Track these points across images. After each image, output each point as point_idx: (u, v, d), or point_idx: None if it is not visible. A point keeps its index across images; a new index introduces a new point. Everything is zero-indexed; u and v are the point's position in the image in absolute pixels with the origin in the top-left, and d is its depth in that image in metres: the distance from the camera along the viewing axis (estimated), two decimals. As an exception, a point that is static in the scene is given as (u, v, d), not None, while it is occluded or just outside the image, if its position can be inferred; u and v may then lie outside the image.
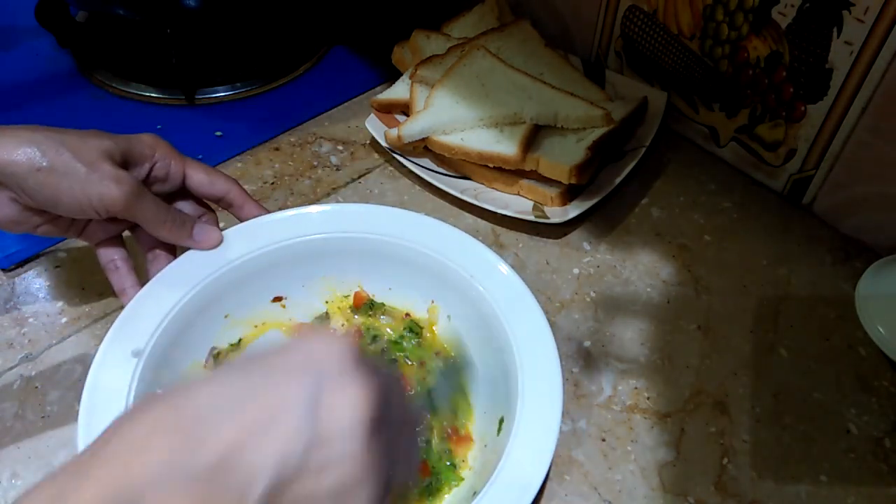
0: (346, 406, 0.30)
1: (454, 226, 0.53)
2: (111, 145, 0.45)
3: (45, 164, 0.43)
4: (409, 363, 0.52)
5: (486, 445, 0.47)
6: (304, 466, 0.29)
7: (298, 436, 0.29)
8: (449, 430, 0.49)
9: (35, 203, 0.44)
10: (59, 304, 0.56)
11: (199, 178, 0.50)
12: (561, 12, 0.75)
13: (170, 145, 0.50)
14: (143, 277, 0.50)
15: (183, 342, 0.48)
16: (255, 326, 0.52)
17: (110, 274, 0.50)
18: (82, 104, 0.72)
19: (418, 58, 0.71)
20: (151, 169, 0.48)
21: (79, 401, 0.43)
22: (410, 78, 0.69)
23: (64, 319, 0.55)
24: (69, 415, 0.49)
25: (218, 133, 0.70)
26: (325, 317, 0.54)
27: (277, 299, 0.53)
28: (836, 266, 0.60)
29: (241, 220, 0.53)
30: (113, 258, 0.50)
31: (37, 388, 0.51)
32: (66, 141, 0.44)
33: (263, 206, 0.53)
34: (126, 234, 0.51)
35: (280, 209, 0.54)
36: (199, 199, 0.52)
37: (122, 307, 0.48)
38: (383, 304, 0.54)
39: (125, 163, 0.46)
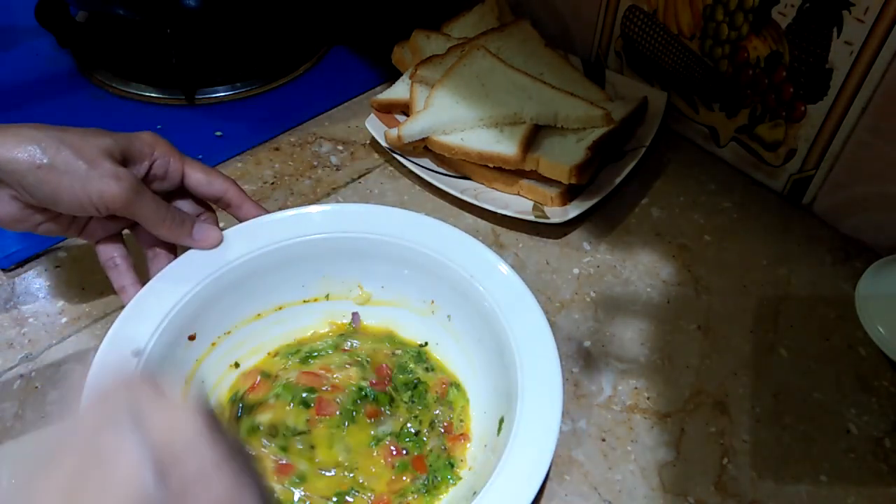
0: (177, 420, 0.28)
1: (454, 226, 0.53)
2: (111, 143, 0.45)
3: (45, 161, 0.43)
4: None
5: (485, 445, 0.47)
6: (165, 496, 0.26)
7: (141, 472, 0.26)
8: (444, 427, 0.49)
9: (36, 200, 0.44)
10: (59, 304, 0.56)
11: (198, 177, 0.50)
12: (561, 12, 0.75)
13: (169, 143, 0.50)
14: (143, 275, 0.50)
15: (183, 342, 0.48)
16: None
17: (109, 271, 0.50)
18: (82, 104, 0.72)
19: (418, 58, 0.71)
20: (151, 167, 0.48)
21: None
22: (410, 78, 0.69)
23: (64, 319, 0.55)
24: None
25: (218, 133, 0.70)
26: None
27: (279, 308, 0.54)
28: (836, 266, 0.60)
29: (240, 220, 0.53)
30: (112, 255, 0.50)
31: (37, 388, 0.51)
32: (67, 139, 0.44)
33: (262, 206, 0.53)
34: (126, 232, 0.51)
35: (280, 209, 0.54)
36: (198, 199, 0.52)
37: (122, 307, 0.48)
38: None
39: (125, 160, 0.46)
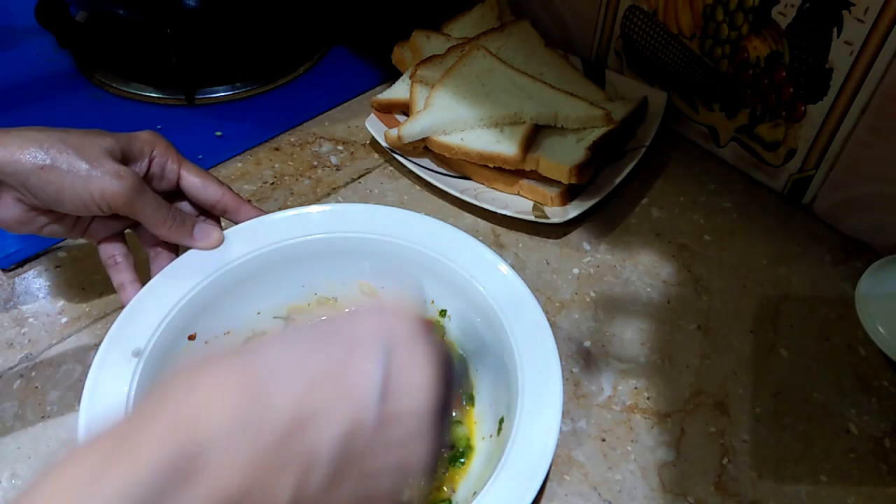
0: (416, 386, 0.31)
1: (454, 226, 0.53)
2: (112, 143, 0.46)
3: (48, 161, 0.43)
4: None
5: (485, 445, 0.47)
6: (370, 443, 0.29)
7: (368, 413, 0.29)
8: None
9: (39, 201, 0.45)
10: (59, 304, 0.56)
11: (193, 181, 0.50)
12: (561, 12, 0.76)
13: (168, 143, 0.50)
14: (144, 275, 0.50)
15: (183, 342, 0.48)
16: (254, 330, 0.52)
17: (109, 269, 0.50)
18: (82, 104, 0.72)
19: (418, 58, 0.71)
20: (150, 165, 0.48)
21: (79, 401, 0.43)
22: (410, 78, 0.69)
23: (64, 319, 0.55)
24: (69, 415, 0.49)
25: (218, 133, 0.70)
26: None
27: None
28: (836, 266, 0.60)
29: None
30: (113, 254, 0.50)
31: (37, 388, 0.51)
32: (69, 140, 0.44)
33: (259, 208, 0.53)
34: (128, 231, 0.51)
35: (280, 209, 0.54)
36: (196, 204, 0.52)
37: (122, 307, 0.48)
38: None
39: (125, 159, 0.47)
